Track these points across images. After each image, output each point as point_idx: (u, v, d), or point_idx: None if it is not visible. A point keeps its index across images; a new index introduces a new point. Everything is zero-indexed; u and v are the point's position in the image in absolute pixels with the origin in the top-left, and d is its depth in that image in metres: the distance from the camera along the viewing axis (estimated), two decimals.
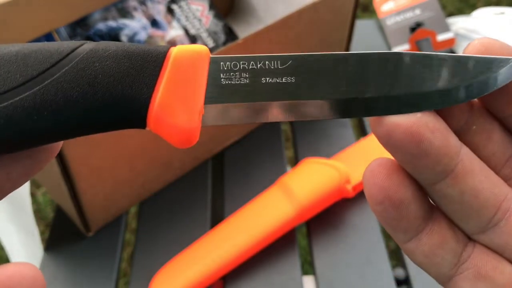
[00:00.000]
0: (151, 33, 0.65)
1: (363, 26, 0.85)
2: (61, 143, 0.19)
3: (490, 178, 0.19)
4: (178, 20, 0.66)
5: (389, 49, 0.80)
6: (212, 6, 0.68)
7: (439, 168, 0.18)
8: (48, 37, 0.61)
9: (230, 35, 0.68)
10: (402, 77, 0.19)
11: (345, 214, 0.59)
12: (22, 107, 0.17)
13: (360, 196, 0.60)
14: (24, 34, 0.60)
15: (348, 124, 0.70)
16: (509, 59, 0.19)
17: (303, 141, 0.68)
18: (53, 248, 0.58)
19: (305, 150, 0.66)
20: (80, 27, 0.62)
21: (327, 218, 0.59)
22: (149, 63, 0.19)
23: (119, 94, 0.18)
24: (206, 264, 0.53)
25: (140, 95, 0.18)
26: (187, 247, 0.55)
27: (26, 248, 0.70)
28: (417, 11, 0.82)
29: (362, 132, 0.73)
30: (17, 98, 0.17)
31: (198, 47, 0.19)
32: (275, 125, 0.70)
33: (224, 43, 0.67)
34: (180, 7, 0.66)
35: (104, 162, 0.53)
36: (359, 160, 0.61)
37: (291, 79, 0.19)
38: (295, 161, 0.65)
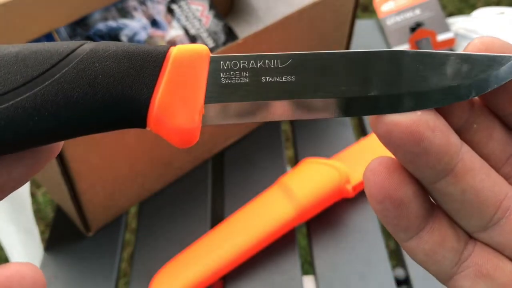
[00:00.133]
0: (151, 33, 0.65)
1: (363, 26, 0.85)
2: (61, 143, 0.19)
3: (491, 177, 0.19)
4: (178, 20, 0.66)
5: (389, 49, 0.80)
6: (212, 6, 0.68)
7: (440, 167, 0.18)
8: (48, 37, 0.61)
9: (230, 35, 0.68)
10: (404, 75, 0.19)
11: (345, 214, 0.59)
12: (23, 108, 0.17)
13: (360, 196, 0.60)
14: (24, 34, 0.60)
15: (348, 124, 0.70)
16: (510, 56, 0.19)
17: (303, 141, 0.68)
18: (53, 248, 0.58)
19: (305, 150, 0.66)
20: (80, 27, 0.62)
21: (327, 218, 0.59)
22: (149, 63, 0.19)
23: (119, 94, 0.18)
24: (206, 264, 0.53)
25: (140, 95, 0.18)
26: (187, 247, 0.55)
27: (26, 248, 0.70)
28: (417, 11, 0.82)
29: (362, 132, 0.73)
30: (18, 99, 0.17)
31: (198, 46, 0.19)
32: (275, 125, 0.70)
33: (224, 43, 0.67)
34: (180, 7, 0.66)
35: (104, 162, 0.53)
36: (359, 160, 0.61)
37: (291, 78, 0.19)
38: (295, 161, 0.65)
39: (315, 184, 0.57)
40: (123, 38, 0.63)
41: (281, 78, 0.19)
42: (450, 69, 0.19)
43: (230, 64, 0.19)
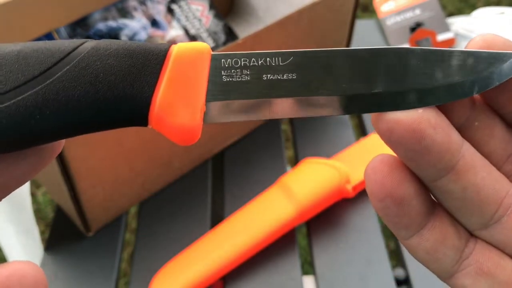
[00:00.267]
0: (151, 33, 0.65)
1: (363, 26, 0.85)
2: (63, 141, 0.19)
3: (492, 174, 0.19)
4: (178, 20, 0.66)
5: None
6: (212, 6, 0.68)
7: (441, 165, 0.18)
8: (48, 37, 0.61)
9: (230, 35, 0.68)
10: (410, 72, 0.19)
11: (345, 214, 0.59)
12: (25, 107, 0.17)
13: (360, 196, 0.60)
14: (25, 34, 0.60)
15: (348, 124, 0.70)
16: None
17: (303, 141, 0.68)
18: (53, 248, 0.58)
19: (305, 150, 0.66)
20: (80, 27, 0.62)
21: (327, 218, 0.59)
22: (150, 61, 0.19)
23: (120, 92, 0.18)
24: (206, 264, 0.53)
25: (142, 93, 0.18)
26: (187, 247, 0.55)
27: (26, 248, 0.70)
28: (417, 11, 0.82)
29: (362, 132, 0.73)
30: (19, 98, 0.17)
31: (199, 44, 0.19)
32: (275, 125, 0.70)
33: (224, 43, 0.67)
34: (180, 7, 0.66)
35: (104, 162, 0.53)
36: (359, 160, 0.61)
37: (292, 75, 0.19)
38: (295, 161, 0.65)
39: (315, 184, 0.57)
40: (123, 38, 0.63)
41: (283, 76, 0.19)
42: (454, 65, 0.19)
43: (231, 62, 0.19)
